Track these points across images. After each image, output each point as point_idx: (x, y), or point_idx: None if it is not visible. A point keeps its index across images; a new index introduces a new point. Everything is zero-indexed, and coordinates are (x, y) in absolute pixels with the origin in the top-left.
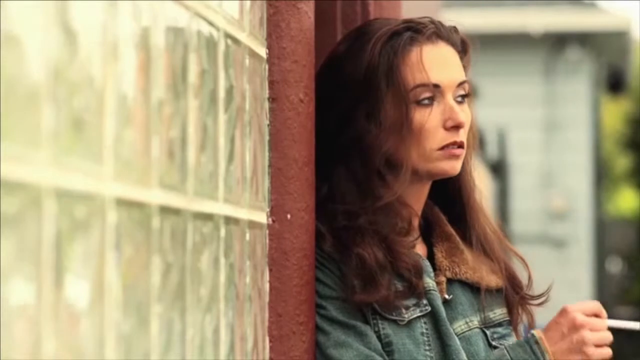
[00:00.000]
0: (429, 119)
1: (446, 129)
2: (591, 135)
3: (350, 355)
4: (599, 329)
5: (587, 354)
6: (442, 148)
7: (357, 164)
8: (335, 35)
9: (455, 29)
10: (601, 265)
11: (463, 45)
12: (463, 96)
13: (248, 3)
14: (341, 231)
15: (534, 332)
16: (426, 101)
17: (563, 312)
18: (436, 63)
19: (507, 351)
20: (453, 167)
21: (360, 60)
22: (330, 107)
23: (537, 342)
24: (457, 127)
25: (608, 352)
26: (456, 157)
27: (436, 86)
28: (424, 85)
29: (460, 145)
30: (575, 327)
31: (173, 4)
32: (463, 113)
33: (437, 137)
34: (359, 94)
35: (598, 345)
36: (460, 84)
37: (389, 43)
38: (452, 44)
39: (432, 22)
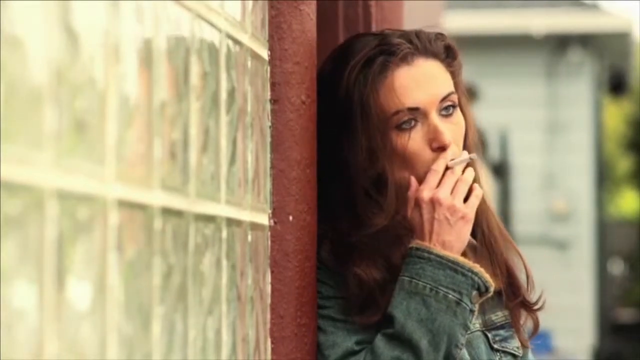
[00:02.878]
0: (412, 143)
1: (433, 150)
2: (593, 137)
3: (339, 352)
4: (451, 186)
5: (464, 214)
6: None
7: (347, 189)
8: (337, 37)
9: (438, 35)
10: (603, 266)
11: (448, 51)
12: (451, 107)
13: (250, 5)
14: (339, 244)
15: (411, 244)
16: (407, 125)
17: (417, 204)
18: (412, 85)
19: (403, 274)
20: None
21: (339, 89)
22: (321, 129)
23: (417, 249)
24: (442, 148)
25: (477, 193)
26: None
27: (414, 109)
28: (400, 112)
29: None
30: (437, 204)
31: (175, 6)
32: (449, 130)
33: (426, 159)
34: (340, 123)
35: (465, 198)
36: (445, 98)
37: (362, 72)
38: (433, 55)
39: (409, 38)
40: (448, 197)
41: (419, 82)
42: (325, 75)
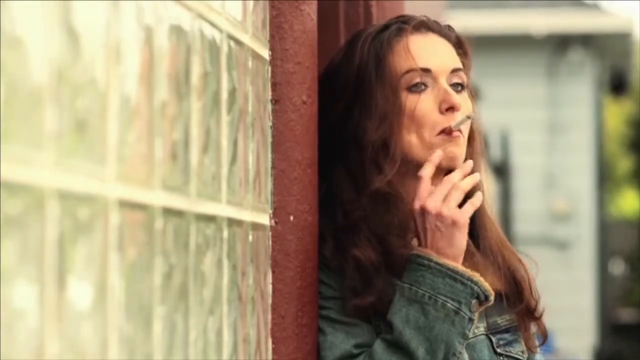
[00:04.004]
0: (422, 104)
1: (442, 112)
2: (594, 137)
3: (337, 353)
4: (444, 193)
5: (455, 220)
6: (441, 132)
7: (354, 160)
8: (338, 37)
9: (449, 26)
10: (604, 266)
11: (459, 41)
12: (459, 85)
13: (251, 4)
14: (339, 232)
15: (412, 251)
16: (417, 88)
17: (416, 214)
18: (425, 49)
19: (403, 280)
20: (453, 152)
21: (352, 62)
22: (329, 112)
23: (417, 256)
24: (452, 109)
25: (474, 201)
26: (457, 139)
27: (426, 70)
28: (412, 71)
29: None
30: (427, 213)
31: (176, 6)
32: (459, 97)
33: (435, 121)
34: (354, 92)
35: (461, 203)
36: (454, 71)
37: (377, 37)
38: (444, 36)
39: (423, 16)
40: (437, 205)
41: (432, 48)
42: (334, 64)
